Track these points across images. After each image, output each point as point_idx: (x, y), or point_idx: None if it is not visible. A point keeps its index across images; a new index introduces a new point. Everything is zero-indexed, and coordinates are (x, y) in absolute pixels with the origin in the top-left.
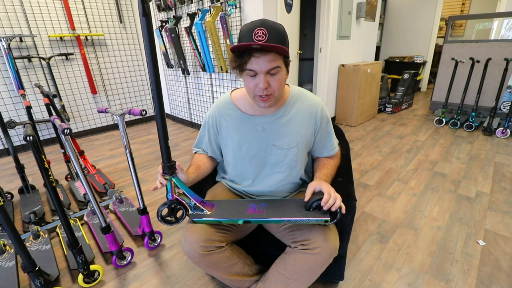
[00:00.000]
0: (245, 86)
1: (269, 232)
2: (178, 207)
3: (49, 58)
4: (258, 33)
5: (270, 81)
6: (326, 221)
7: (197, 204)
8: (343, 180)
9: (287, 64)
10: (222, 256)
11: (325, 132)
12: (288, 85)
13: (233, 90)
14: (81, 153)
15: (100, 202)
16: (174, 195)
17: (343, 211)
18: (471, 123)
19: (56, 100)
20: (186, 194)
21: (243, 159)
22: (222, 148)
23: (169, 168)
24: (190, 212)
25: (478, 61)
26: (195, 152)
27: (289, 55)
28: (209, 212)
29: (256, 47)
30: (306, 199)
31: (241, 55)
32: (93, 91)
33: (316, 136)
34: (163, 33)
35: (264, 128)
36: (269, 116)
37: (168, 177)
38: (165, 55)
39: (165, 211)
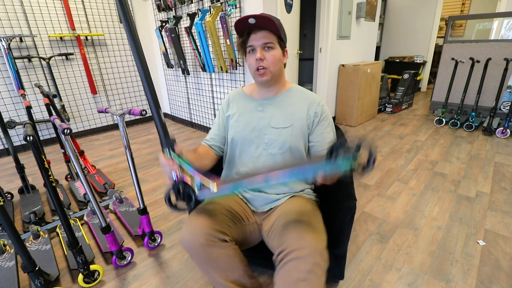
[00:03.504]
0: (248, 66)
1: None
2: (185, 189)
3: (49, 58)
4: (254, 15)
5: (265, 55)
6: (352, 165)
7: (203, 182)
8: (343, 180)
9: (282, 46)
10: (224, 252)
11: (326, 126)
12: (290, 83)
13: (243, 87)
14: (81, 153)
15: (100, 202)
16: (179, 176)
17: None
18: (471, 123)
19: (56, 100)
20: (188, 172)
21: (239, 133)
22: (227, 126)
23: (167, 141)
24: (197, 192)
25: (478, 61)
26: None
27: (281, 35)
28: (215, 189)
29: (251, 21)
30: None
31: (242, 34)
32: (93, 91)
33: (314, 127)
34: (163, 33)
35: (263, 109)
36: (269, 98)
37: (166, 151)
38: (165, 55)
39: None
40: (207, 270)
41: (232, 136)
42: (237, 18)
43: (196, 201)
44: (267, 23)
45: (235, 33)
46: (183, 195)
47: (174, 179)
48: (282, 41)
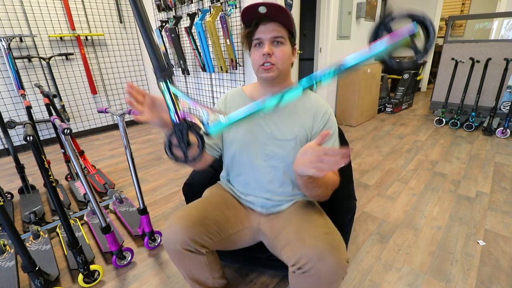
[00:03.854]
0: (252, 61)
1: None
2: (190, 129)
3: (49, 58)
4: (265, 3)
5: (274, 50)
6: (413, 35)
7: (211, 114)
8: (343, 179)
9: (292, 42)
10: (196, 261)
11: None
12: None
13: (243, 86)
14: (81, 153)
15: (100, 202)
16: (179, 112)
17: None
18: (471, 123)
19: (56, 100)
20: (191, 104)
21: (239, 142)
22: (224, 134)
23: (161, 70)
24: (204, 129)
25: (478, 61)
26: None
27: (292, 30)
28: (226, 119)
29: (262, 10)
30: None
31: (249, 24)
32: (93, 91)
33: (314, 135)
34: (163, 33)
35: (266, 115)
36: None
37: (162, 84)
38: (165, 55)
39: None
40: (177, 265)
41: (230, 143)
42: (246, 5)
43: (203, 142)
44: (279, 14)
45: (235, 33)
46: (187, 140)
47: (174, 119)
48: (293, 36)
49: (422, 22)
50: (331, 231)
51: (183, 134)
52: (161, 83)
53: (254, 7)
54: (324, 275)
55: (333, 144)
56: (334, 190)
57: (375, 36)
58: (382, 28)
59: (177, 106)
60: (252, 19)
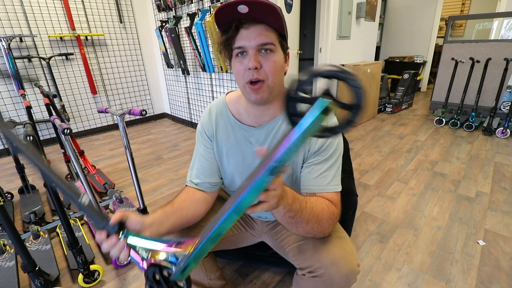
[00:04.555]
0: (235, 75)
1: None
2: (162, 272)
3: (49, 58)
4: (246, 1)
5: (262, 62)
6: (326, 109)
7: (177, 253)
8: (343, 176)
9: (284, 47)
10: None
11: (321, 160)
12: None
13: (227, 93)
14: (81, 153)
15: (100, 202)
16: (145, 260)
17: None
18: (471, 123)
19: (56, 100)
20: (154, 250)
21: (232, 173)
22: (217, 158)
23: (110, 227)
24: (173, 270)
25: (478, 61)
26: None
27: (284, 32)
28: (189, 250)
29: (242, 9)
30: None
31: (227, 29)
32: (93, 91)
33: (308, 156)
34: (163, 33)
35: (257, 139)
36: (263, 126)
37: (119, 236)
38: (165, 55)
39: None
40: None
41: (223, 174)
42: (220, 4)
43: (189, 282)
44: (266, 13)
45: None
46: (166, 283)
47: (140, 266)
48: (284, 40)
49: (337, 77)
50: (343, 236)
51: (155, 278)
52: (112, 233)
53: (231, 5)
54: (336, 280)
55: (330, 167)
56: (334, 224)
57: (290, 117)
58: (296, 100)
59: (138, 252)
60: (230, 21)
